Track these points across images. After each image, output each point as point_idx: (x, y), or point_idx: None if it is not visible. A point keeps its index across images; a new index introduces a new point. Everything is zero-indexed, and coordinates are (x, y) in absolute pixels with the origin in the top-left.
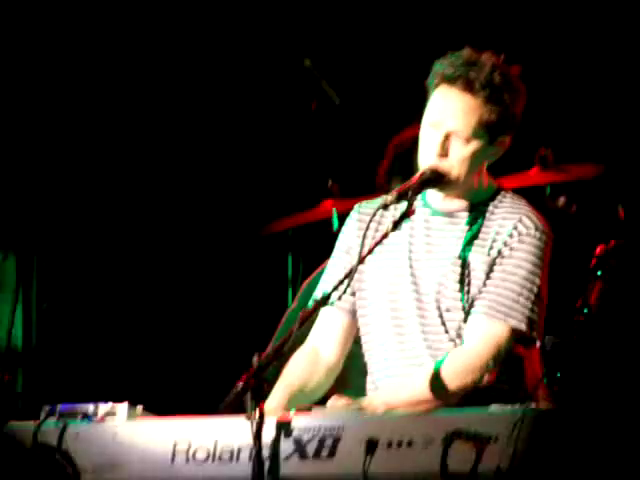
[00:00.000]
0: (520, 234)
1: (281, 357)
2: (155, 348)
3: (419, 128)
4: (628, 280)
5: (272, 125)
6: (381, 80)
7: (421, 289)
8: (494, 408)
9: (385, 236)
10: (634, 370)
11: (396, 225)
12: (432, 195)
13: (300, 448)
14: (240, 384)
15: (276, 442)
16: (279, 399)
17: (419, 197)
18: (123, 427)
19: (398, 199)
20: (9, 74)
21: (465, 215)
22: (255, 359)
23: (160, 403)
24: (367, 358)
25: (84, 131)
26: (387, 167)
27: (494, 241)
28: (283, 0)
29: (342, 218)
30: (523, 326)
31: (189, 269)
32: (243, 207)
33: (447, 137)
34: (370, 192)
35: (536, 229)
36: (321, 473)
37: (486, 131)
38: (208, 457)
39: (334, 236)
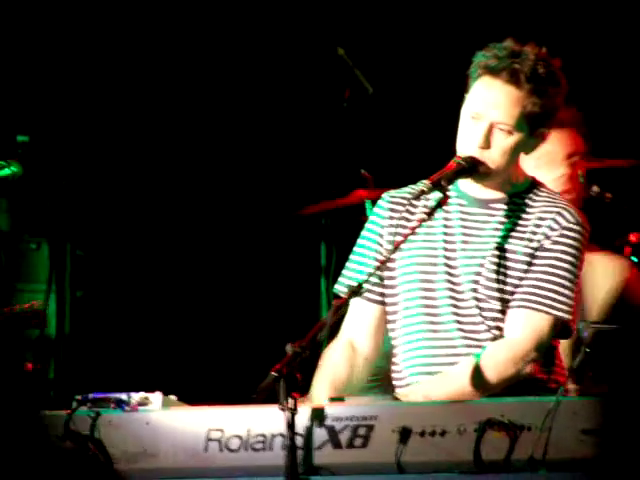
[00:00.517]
0: (561, 227)
1: (315, 346)
2: (187, 337)
3: None
4: None
5: (306, 113)
6: (414, 69)
7: (456, 279)
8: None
9: (419, 225)
10: None
11: (430, 214)
12: (468, 185)
13: (333, 437)
14: (273, 373)
15: (309, 431)
16: (324, 393)
17: (452, 187)
18: (157, 415)
19: (432, 188)
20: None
21: (502, 206)
22: (289, 348)
23: (193, 392)
24: (395, 348)
25: (118, 121)
26: None
27: (534, 233)
28: None
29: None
30: (568, 316)
31: (223, 259)
32: (276, 195)
33: (490, 129)
34: (403, 181)
35: (577, 223)
36: (354, 462)
37: (528, 123)
38: (241, 446)
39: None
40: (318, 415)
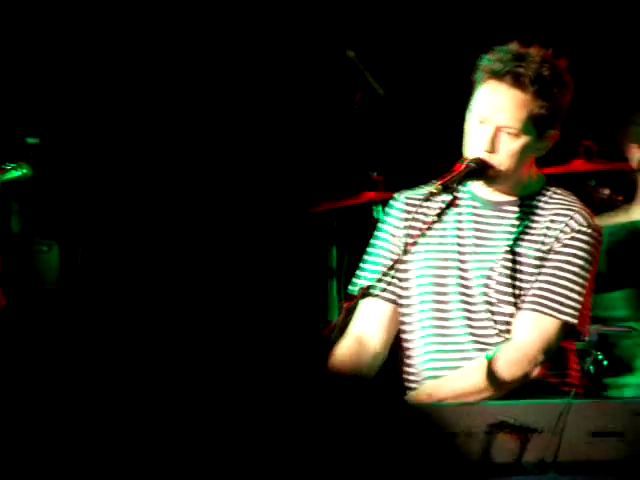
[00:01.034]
0: (573, 230)
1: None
2: (196, 337)
3: None
4: None
5: (317, 115)
6: (424, 72)
7: (468, 281)
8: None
9: (430, 227)
10: None
11: (441, 216)
12: (480, 187)
13: None
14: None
15: None
16: None
17: (465, 189)
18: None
19: (443, 190)
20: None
21: (514, 208)
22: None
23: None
24: (408, 349)
25: (128, 122)
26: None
27: (545, 236)
28: None
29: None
30: (575, 320)
31: (232, 260)
32: (287, 195)
33: (496, 132)
34: (412, 184)
35: (589, 226)
36: None
37: (535, 126)
38: None
39: (375, 226)
40: None
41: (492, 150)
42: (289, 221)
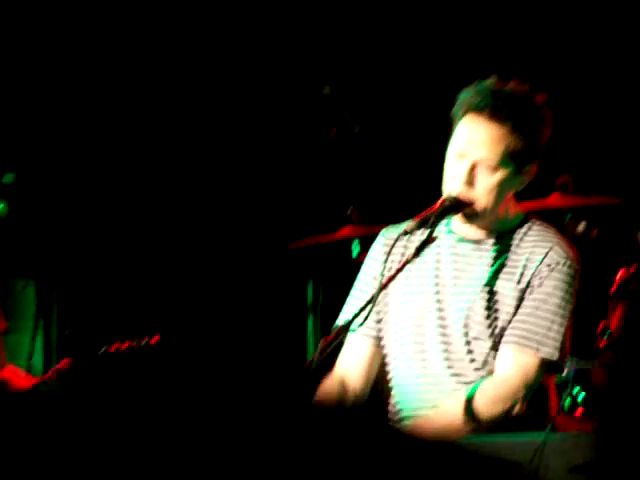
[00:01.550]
0: (551, 264)
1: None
2: (174, 368)
3: None
4: None
5: (292, 152)
6: (400, 108)
7: (447, 317)
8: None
9: (406, 263)
10: None
11: (418, 252)
12: (458, 224)
13: None
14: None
15: None
16: None
17: (444, 224)
18: None
19: (419, 226)
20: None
21: (492, 242)
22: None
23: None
24: (390, 385)
25: (101, 159)
26: None
27: (524, 269)
28: (303, 28)
29: (361, 244)
30: (555, 356)
31: (209, 295)
32: (263, 232)
33: (473, 167)
34: (389, 220)
35: (567, 259)
36: None
37: (513, 160)
38: None
39: (354, 263)
40: None
41: (470, 183)
42: (266, 257)
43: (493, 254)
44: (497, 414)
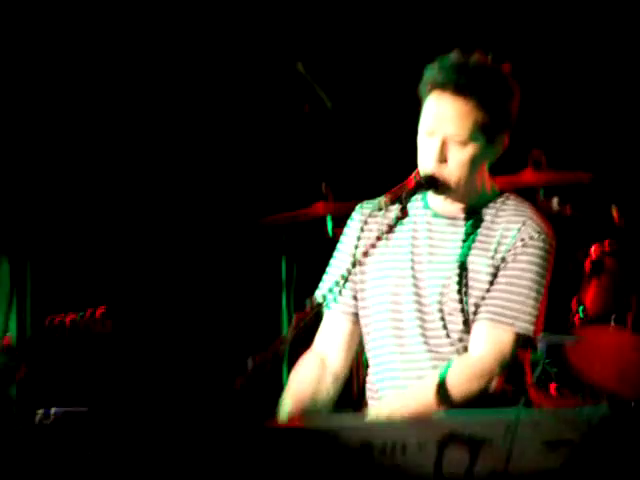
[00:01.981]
0: (525, 239)
1: (277, 361)
2: (147, 351)
3: None
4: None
5: (265, 128)
6: (373, 84)
7: (422, 292)
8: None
9: (379, 239)
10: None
11: (390, 229)
12: (433, 198)
13: None
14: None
15: None
16: (290, 409)
17: (420, 199)
18: None
19: (392, 203)
20: (6, 75)
21: (467, 217)
22: (250, 363)
23: (153, 407)
24: (369, 362)
25: (77, 133)
26: None
27: (498, 245)
28: (276, 4)
29: (335, 221)
30: (530, 331)
31: (183, 272)
32: (235, 208)
33: (444, 143)
34: (362, 196)
35: (540, 234)
36: None
37: (483, 132)
38: None
39: (328, 239)
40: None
41: (442, 160)
42: (239, 233)
43: (467, 230)
44: (472, 392)
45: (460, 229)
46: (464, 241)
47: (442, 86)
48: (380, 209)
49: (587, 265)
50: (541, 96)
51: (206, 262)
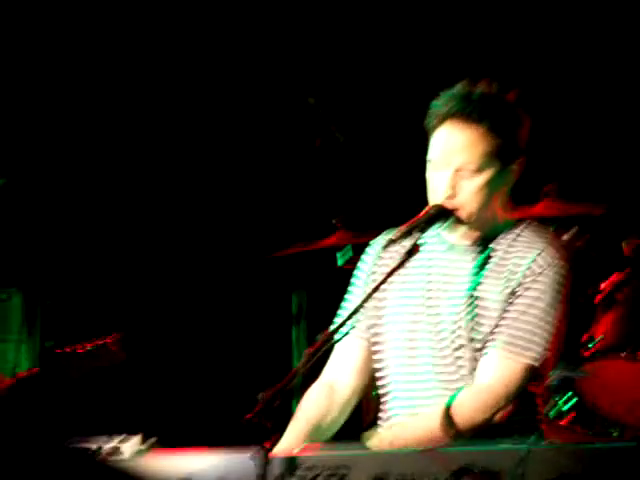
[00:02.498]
0: (538, 268)
1: (287, 395)
2: (162, 383)
3: None
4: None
5: (277, 162)
6: (384, 117)
7: (438, 325)
8: (502, 444)
9: (391, 273)
10: None
11: (403, 262)
12: (447, 230)
13: None
14: (246, 421)
15: None
16: (296, 436)
17: (434, 231)
18: (124, 465)
19: (405, 235)
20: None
21: (481, 250)
22: (260, 396)
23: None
24: (381, 392)
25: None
26: None
27: (512, 274)
28: (290, 39)
29: (346, 253)
30: (538, 363)
31: (195, 307)
32: (247, 242)
33: (455, 175)
34: (374, 229)
35: (555, 264)
36: None
37: (494, 160)
38: None
39: (338, 273)
40: (290, 465)
41: (452, 195)
42: (250, 267)
43: (481, 260)
44: (478, 423)
45: (472, 262)
46: (476, 273)
47: (450, 116)
48: (393, 242)
49: (598, 299)
50: (553, 128)
51: (217, 295)
